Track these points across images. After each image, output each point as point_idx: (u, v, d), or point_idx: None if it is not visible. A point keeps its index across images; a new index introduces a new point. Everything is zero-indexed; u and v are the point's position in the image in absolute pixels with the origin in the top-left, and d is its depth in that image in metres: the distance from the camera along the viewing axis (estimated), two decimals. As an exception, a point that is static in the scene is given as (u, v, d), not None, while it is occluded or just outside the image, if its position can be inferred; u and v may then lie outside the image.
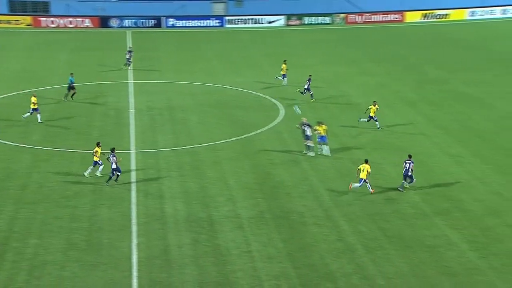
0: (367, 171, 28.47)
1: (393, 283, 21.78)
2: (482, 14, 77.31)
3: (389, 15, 77.53)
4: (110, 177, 29.71)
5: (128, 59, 53.17)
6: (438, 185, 29.76)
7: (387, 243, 24.48)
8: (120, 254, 23.73)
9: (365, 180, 28.55)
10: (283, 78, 47.96)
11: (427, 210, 27.25)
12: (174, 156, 33.67)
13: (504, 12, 77.43)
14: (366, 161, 28.89)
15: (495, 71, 52.20)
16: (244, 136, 37.05)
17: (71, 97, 43.61)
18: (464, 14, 77.33)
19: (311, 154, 33.36)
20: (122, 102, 43.90)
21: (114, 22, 75.36)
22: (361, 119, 37.81)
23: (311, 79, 43.71)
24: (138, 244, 24.38)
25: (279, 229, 25.59)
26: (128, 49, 54.37)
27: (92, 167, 30.54)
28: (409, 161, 28.74)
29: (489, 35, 67.71)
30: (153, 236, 25.07)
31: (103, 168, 30.49)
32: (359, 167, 28.87)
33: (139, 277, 22.19)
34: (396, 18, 77.50)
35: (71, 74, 43.91)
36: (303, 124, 33.68)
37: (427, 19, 77.30)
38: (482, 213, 27.01)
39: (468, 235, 25.06)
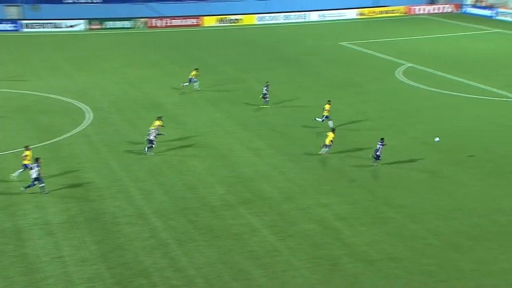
0: (330, 138, 33.55)
1: (203, 272, 22.88)
2: (269, 19, 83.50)
3: (187, 19, 79.74)
4: (30, 186, 28.77)
5: None
6: (242, 177, 31.57)
7: (197, 235, 25.59)
8: None
9: (327, 145, 33.61)
10: (190, 82, 47.00)
11: (232, 201, 28.86)
12: (-26, 166, 32.01)
13: (286, 17, 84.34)
14: (333, 130, 34.14)
15: (284, 70, 55.37)
16: (51, 141, 36.18)
17: None
18: (254, 19, 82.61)
19: (152, 153, 34.31)
20: None
21: None
22: (316, 119, 38.92)
23: (269, 85, 43.44)
24: None
25: (91, 232, 25.65)
26: None
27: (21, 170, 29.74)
28: (380, 144, 32.61)
29: (276, 38, 72.38)
30: (-50, 252, 23.68)
31: (21, 172, 29.75)
32: (327, 133, 34.01)
33: None
34: (194, 22, 79.98)
35: None
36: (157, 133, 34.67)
37: (223, 23, 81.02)
38: (280, 200, 29.13)
39: (269, 220, 27.02)
